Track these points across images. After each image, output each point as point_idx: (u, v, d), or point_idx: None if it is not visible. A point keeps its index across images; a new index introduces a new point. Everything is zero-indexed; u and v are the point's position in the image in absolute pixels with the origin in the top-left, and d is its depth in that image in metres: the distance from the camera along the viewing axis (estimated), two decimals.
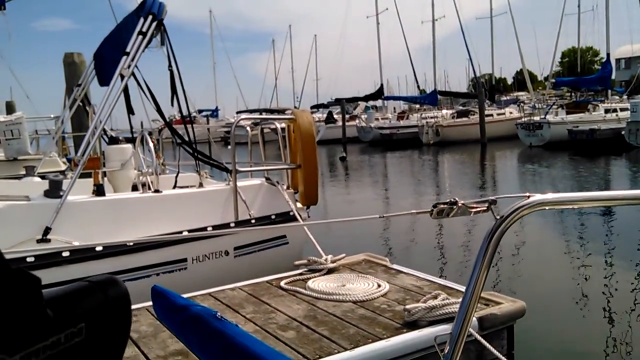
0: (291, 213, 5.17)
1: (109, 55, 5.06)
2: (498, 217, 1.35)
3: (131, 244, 4.21)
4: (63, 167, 7.28)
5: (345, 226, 8.89)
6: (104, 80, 5.01)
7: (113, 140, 5.86)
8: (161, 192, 4.79)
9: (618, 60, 52.73)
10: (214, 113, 52.52)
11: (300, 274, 4.16)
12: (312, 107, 50.04)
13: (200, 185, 5.24)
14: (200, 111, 51.02)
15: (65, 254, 3.97)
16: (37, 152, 9.51)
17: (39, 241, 3.98)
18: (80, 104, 6.38)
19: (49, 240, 4.00)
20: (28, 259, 3.80)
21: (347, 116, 37.29)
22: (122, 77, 4.68)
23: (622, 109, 25.92)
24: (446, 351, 1.38)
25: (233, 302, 3.67)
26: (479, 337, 2.68)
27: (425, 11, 39.54)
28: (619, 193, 1.44)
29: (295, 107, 39.15)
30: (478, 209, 1.52)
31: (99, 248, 4.08)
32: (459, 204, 1.52)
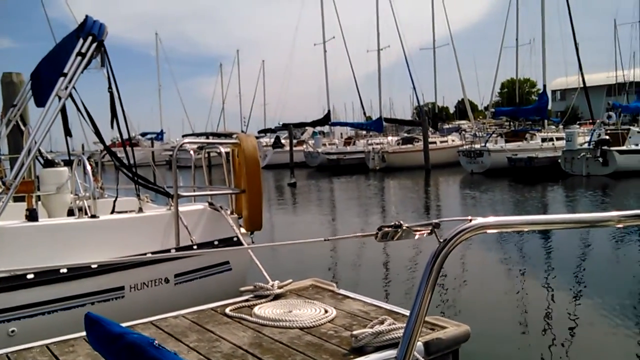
0: (235, 238, 5.08)
1: (47, 76, 4.90)
2: (441, 240, 1.37)
3: (64, 270, 4.03)
4: None
5: (292, 251, 8.84)
6: (41, 101, 4.84)
7: (49, 163, 5.64)
8: (98, 217, 4.61)
9: (554, 92, 55.61)
10: (159, 136, 51.66)
11: (246, 300, 4.09)
12: (259, 132, 50.10)
13: (140, 210, 5.08)
14: (144, 134, 50.10)
15: None
16: None
17: None
18: (16, 124, 6.12)
19: None
20: None
21: (294, 141, 37.48)
22: (60, 98, 4.53)
23: (558, 138, 27.23)
24: None
25: (176, 330, 3.55)
26: None
27: (370, 41, 40.63)
28: (557, 217, 1.48)
29: (242, 131, 39.08)
30: (422, 232, 1.54)
31: (30, 275, 3.88)
32: (403, 227, 1.54)
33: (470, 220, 1.38)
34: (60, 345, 3.33)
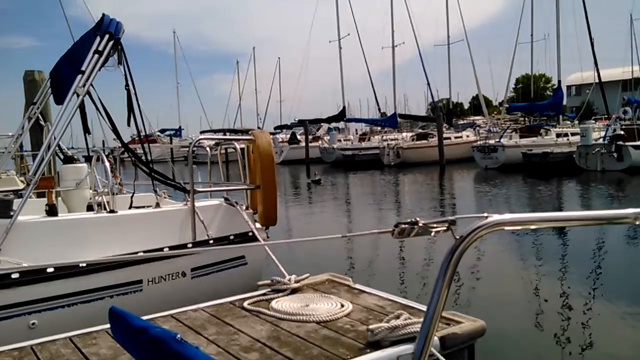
0: (250, 233, 5.13)
1: (65, 74, 4.98)
2: (457, 237, 1.41)
3: (84, 265, 4.11)
4: (21, 186, 7.07)
5: (308, 246, 8.89)
6: (60, 99, 4.93)
7: (68, 159, 5.74)
8: (116, 212, 4.70)
9: (569, 87, 54.95)
10: (177, 132, 52.16)
11: (264, 295, 4.14)
12: (275, 128, 50.28)
13: (157, 205, 5.16)
14: (163, 130, 50.49)
15: (15, 275, 3.85)
16: None
17: None
18: (36, 121, 6.25)
19: None
20: None
21: (310, 137, 37.58)
22: (78, 95, 4.61)
23: (572, 134, 26.98)
24: None
25: (195, 323, 3.62)
26: (440, 357, 2.73)
27: (385, 37, 40.30)
28: (574, 214, 1.51)
29: (258, 128, 39.15)
30: (438, 229, 1.57)
31: (50, 269, 3.97)
32: (420, 224, 1.58)
33: (487, 217, 1.41)
34: (83, 338, 3.41)
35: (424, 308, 3.62)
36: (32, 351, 3.23)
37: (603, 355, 4.72)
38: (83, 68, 4.65)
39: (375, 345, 3.04)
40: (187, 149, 5.72)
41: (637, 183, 18.69)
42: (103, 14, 4.97)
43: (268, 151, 5.15)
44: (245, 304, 3.92)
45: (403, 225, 1.59)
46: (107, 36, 4.80)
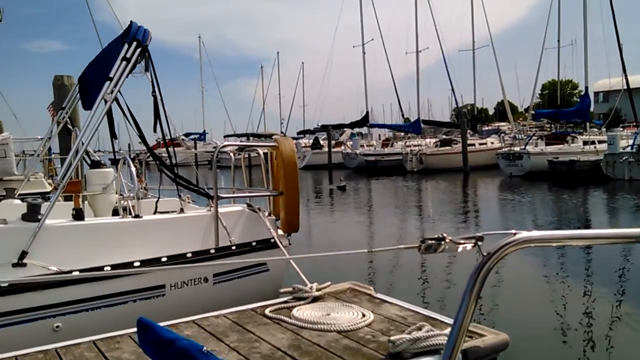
0: (272, 240, 5.14)
1: (93, 80, 5.06)
2: (485, 254, 1.39)
3: (108, 268, 4.16)
4: (49, 188, 7.21)
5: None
6: (88, 104, 5.01)
7: (95, 164, 5.83)
8: (141, 217, 4.75)
9: (596, 94, 54.01)
10: (202, 136, 52.72)
11: (285, 302, 4.14)
12: (298, 133, 50.46)
13: (181, 210, 5.21)
14: (187, 134, 51.21)
15: (41, 279, 3.91)
16: (23, 173, 9.43)
17: (14, 265, 3.92)
18: (64, 126, 6.36)
19: (24, 265, 3.94)
20: (2, 284, 3.73)
21: (333, 142, 37.61)
22: (106, 101, 4.68)
23: (600, 141, 26.49)
24: None
25: (217, 330, 3.63)
26: None
27: (409, 42, 40.25)
28: (603, 232, 1.48)
29: (281, 132, 39.35)
30: (465, 245, 1.55)
31: (75, 273, 4.03)
32: (447, 240, 1.56)
33: (515, 234, 1.39)
34: (106, 342, 3.45)
35: (446, 320, 3.58)
36: (57, 354, 3.27)
37: None
38: (111, 75, 4.72)
39: (396, 356, 3.02)
40: (210, 153, 5.80)
41: None
42: (131, 22, 5.04)
43: (291, 158, 5.16)
44: (267, 311, 3.92)
45: (430, 241, 1.58)
46: (134, 43, 4.87)
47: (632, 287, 7.44)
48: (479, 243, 1.49)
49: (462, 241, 1.53)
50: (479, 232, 1.55)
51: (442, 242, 1.55)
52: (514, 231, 1.40)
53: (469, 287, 1.40)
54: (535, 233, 1.42)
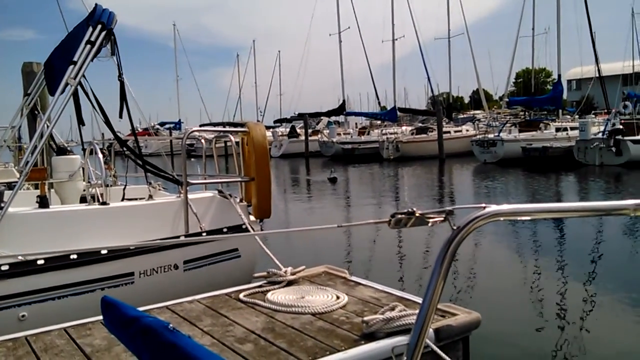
0: (244, 226, 5.10)
1: (58, 65, 4.93)
2: (455, 228, 1.38)
3: (74, 256, 4.08)
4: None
5: (305, 238, 8.88)
6: (53, 90, 4.91)
7: (61, 151, 5.71)
8: (108, 204, 4.67)
9: (569, 82, 54.80)
10: (177, 125, 52.01)
11: (260, 287, 4.13)
12: (275, 122, 50.21)
13: (150, 197, 5.13)
14: (162, 124, 50.47)
15: (5, 267, 3.83)
16: None
17: None
18: (32, 113, 6.21)
19: None
20: None
21: (309, 131, 37.54)
22: (70, 86, 4.57)
23: (572, 128, 26.95)
24: None
25: (190, 315, 3.60)
26: (435, 348, 2.71)
27: (385, 31, 40.16)
28: (572, 205, 1.48)
29: (258, 121, 39.11)
30: (435, 219, 1.54)
31: (40, 261, 3.94)
32: (417, 214, 1.55)
33: (484, 208, 1.38)
34: (77, 329, 3.39)
35: (419, 300, 3.61)
36: (27, 342, 3.21)
37: (599, 346, 4.71)
38: (75, 58, 4.61)
39: (370, 336, 3.03)
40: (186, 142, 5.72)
41: (635, 177, 18.69)
42: (96, 4, 4.93)
43: (262, 143, 5.12)
44: (241, 295, 3.91)
45: (400, 216, 1.56)
46: (99, 26, 4.76)
47: (603, 263, 7.63)
48: (449, 217, 1.48)
49: (432, 215, 1.52)
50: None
51: (412, 216, 1.53)
52: (483, 205, 1.39)
53: (439, 262, 1.39)
54: (505, 206, 1.41)
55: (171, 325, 1.34)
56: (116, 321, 1.50)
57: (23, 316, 3.90)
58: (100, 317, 3.43)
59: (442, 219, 1.51)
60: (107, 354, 2.98)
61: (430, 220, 1.54)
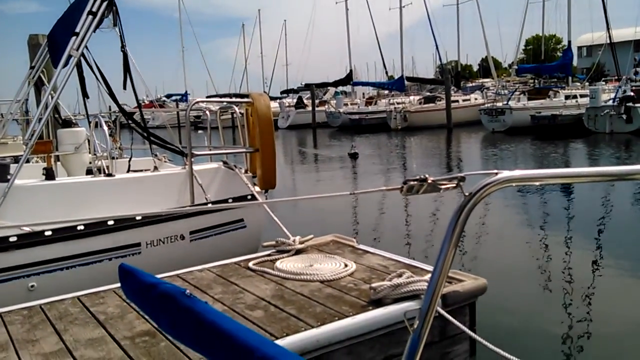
0: (249, 196, 5.12)
1: (61, 36, 4.89)
2: (467, 194, 1.37)
3: (81, 227, 4.12)
4: None
5: (314, 207, 8.91)
6: (57, 62, 4.88)
7: (66, 123, 5.70)
8: (114, 175, 4.69)
9: (580, 48, 53.89)
10: (184, 97, 51.75)
11: (269, 255, 4.17)
12: (282, 92, 49.85)
13: (155, 169, 5.14)
14: (169, 96, 50.24)
15: (13, 238, 3.87)
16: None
17: None
18: (35, 85, 6.18)
19: None
20: None
21: (316, 101, 37.28)
22: (73, 57, 4.54)
23: (582, 95, 26.58)
24: (415, 326, 1.40)
25: (201, 283, 3.65)
26: (443, 313, 2.74)
27: None
28: (584, 170, 1.46)
29: (264, 92, 38.87)
30: (447, 186, 1.53)
31: (48, 232, 3.99)
32: (429, 181, 1.53)
33: (497, 174, 1.37)
34: (90, 297, 3.45)
35: (425, 267, 3.64)
36: (42, 310, 3.27)
37: (605, 314, 4.74)
38: (77, 30, 4.58)
39: (377, 302, 3.07)
40: (193, 114, 5.67)
41: None
42: None
43: (266, 114, 5.10)
44: (250, 264, 3.95)
45: (412, 182, 1.55)
46: None
47: (612, 231, 7.62)
48: (461, 183, 1.47)
49: (444, 182, 1.51)
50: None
51: (424, 183, 1.52)
52: (495, 171, 1.38)
53: (450, 228, 1.39)
54: (517, 172, 1.40)
55: (188, 291, 1.36)
56: (134, 288, 1.53)
57: (32, 286, 3.96)
58: (113, 286, 3.49)
59: (454, 185, 1.50)
60: (121, 321, 3.04)
61: (443, 187, 1.53)
